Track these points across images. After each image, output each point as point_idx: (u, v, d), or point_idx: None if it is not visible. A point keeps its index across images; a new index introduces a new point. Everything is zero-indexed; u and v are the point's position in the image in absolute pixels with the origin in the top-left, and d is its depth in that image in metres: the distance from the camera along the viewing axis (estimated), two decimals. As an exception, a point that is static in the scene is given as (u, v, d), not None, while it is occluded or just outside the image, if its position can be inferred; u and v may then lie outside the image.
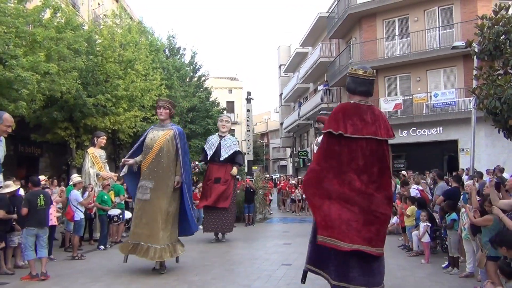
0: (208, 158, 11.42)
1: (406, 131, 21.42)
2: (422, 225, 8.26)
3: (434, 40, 20.83)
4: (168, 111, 7.79)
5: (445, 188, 8.98)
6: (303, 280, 5.32)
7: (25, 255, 7.47)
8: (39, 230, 7.48)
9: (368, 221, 4.68)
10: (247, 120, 15.81)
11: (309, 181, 4.94)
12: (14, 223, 7.77)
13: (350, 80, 5.17)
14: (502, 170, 12.33)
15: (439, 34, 20.78)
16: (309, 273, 5.27)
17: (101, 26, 17.43)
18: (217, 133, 11.91)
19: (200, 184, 15.85)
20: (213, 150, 11.36)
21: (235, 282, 6.86)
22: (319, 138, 9.56)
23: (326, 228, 4.67)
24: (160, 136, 7.56)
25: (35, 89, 10.59)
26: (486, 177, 11.40)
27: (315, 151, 5.28)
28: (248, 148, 15.86)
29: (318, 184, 4.81)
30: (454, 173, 11.54)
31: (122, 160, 7.69)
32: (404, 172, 15.82)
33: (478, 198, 6.63)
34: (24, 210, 7.34)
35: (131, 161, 7.69)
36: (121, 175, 8.10)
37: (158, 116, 7.84)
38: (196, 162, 11.74)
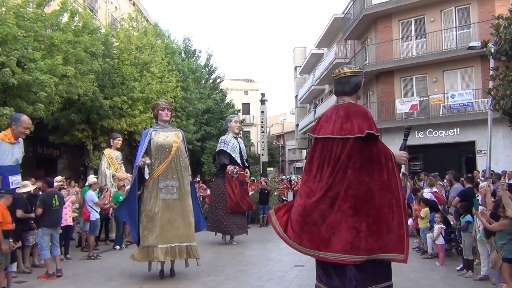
0: (237, 161, 11.03)
1: (422, 133, 21.23)
2: (437, 227, 8.20)
3: (451, 41, 20.61)
4: (171, 113, 7.82)
5: (460, 189, 8.90)
6: None
7: (42, 254, 7.64)
8: (54, 230, 7.68)
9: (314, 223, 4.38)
10: (262, 122, 15.82)
11: None
12: (32, 222, 7.95)
13: (337, 81, 4.83)
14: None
15: (456, 34, 20.55)
16: None
17: (118, 29, 17.69)
18: (229, 134, 11.32)
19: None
20: (238, 153, 11.12)
21: (247, 283, 6.90)
22: None
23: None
24: (173, 136, 7.55)
25: (53, 91, 10.82)
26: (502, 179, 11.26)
27: None
28: (263, 149, 15.88)
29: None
30: (469, 175, 11.38)
31: (140, 160, 7.24)
32: (423, 174, 15.62)
33: (492, 199, 6.56)
34: (39, 211, 7.52)
35: (148, 160, 7.42)
36: (146, 177, 7.44)
37: (163, 117, 7.59)
38: (231, 167, 11.04)
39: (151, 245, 6.96)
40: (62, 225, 8.40)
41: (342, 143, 4.27)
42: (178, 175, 7.36)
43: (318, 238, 4.22)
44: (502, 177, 10.90)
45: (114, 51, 15.54)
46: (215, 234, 11.26)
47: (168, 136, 7.54)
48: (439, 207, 9.37)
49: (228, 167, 10.78)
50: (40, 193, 8.76)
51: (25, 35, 10.60)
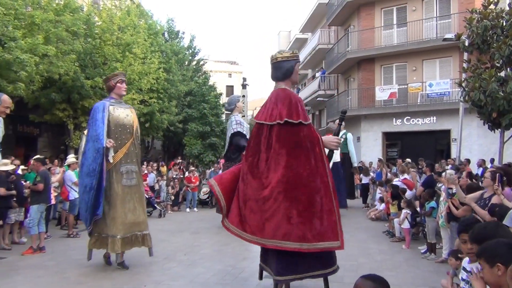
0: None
1: (400, 120, 21.70)
2: (403, 212, 8.59)
3: (431, 30, 20.96)
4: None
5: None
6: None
7: (31, 230, 7.84)
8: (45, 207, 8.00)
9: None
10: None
11: None
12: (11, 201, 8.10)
13: (274, 66, 4.79)
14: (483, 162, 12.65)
15: (436, 24, 20.91)
16: None
17: (100, 9, 17.54)
18: (238, 115, 10.81)
19: (192, 168, 16.17)
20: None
21: (222, 262, 7.18)
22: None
23: None
24: (131, 114, 6.85)
25: (33, 71, 10.82)
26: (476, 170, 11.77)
27: None
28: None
29: None
30: (429, 162, 11.92)
31: (108, 142, 6.29)
32: (400, 161, 16.07)
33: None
34: (41, 186, 7.76)
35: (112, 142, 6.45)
36: (111, 161, 6.42)
37: (122, 91, 6.78)
38: None
39: (113, 235, 6.32)
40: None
41: (272, 129, 4.33)
42: (137, 158, 6.82)
43: (255, 224, 4.31)
44: (465, 165, 11.31)
45: (96, 31, 15.47)
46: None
47: (128, 115, 6.76)
48: (410, 192, 9.76)
49: None
50: (18, 171, 8.94)
51: (5, 13, 10.53)
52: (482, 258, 2.52)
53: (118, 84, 6.65)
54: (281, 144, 4.27)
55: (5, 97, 8.08)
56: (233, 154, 10.61)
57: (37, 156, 9.39)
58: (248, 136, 10.42)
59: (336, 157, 11.50)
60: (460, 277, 2.93)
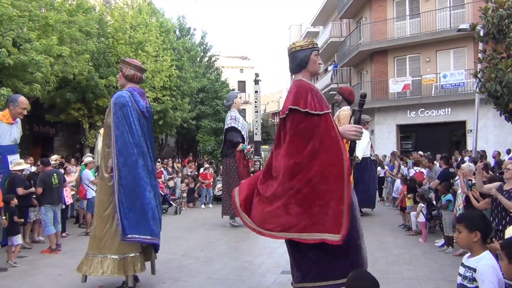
0: (245, 140, 10.63)
1: (414, 112, 21.52)
2: (418, 205, 8.56)
3: (445, 21, 20.70)
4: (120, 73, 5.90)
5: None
6: None
7: (46, 230, 8.00)
8: (56, 207, 8.07)
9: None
10: (255, 101, 15.97)
11: None
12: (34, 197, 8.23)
13: (293, 56, 4.44)
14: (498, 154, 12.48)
15: (450, 14, 20.64)
16: None
17: (112, 8, 17.65)
18: (236, 111, 10.73)
19: (207, 165, 16.25)
20: (246, 131, 10.78)
21: (238, 259, 7.23)
22: (339, 113, 9.73)
23: None
24: None
25: (48, 71, 10.94)
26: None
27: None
28: (256, 129, 16.07)
29: None
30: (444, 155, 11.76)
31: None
32: (421, 153, 15.90)
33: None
34: (39, 190, 7.87)
35: None
36: None
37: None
38: (248, 146, 10.70)
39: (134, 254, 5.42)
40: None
41: (284, 122, 4.20)
42: None
43: (258, 214, 4.21)
44: (482, 158, 11.18)
45: (109, 30, 15.58)
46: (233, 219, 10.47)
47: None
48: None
49: (249, 146, 10.62)
50: (33, 171, 9.11)
51: (20, 15, 10.64)
52: (463, 224, 2.93)
53: (138, 75, 5.80)
54: (287, 133, 4.12)
55: (22, 98, 8.26)
56: (228, 149, 10.59)
57: (43, 158, 9.48)
58: (243, 132, 10.50)
59: (366, 151, 11.21)
60: (458, 272, 3.02)
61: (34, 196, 8.18)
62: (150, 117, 5.79)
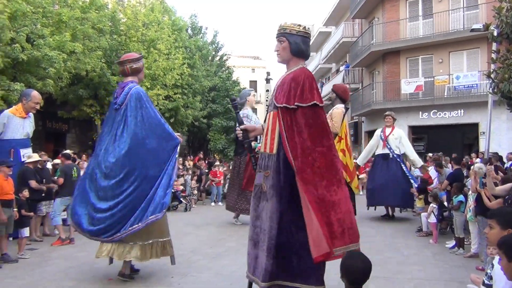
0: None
1: (426, 113, 21.36)
2: (429, 206, 8.48)
3: (458, 21, 20.51)
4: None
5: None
6: None
7: (54, 221, 8.21)
8: (71, 199, 8.15)
9: None
10: (267, 101, 16.00)
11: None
12: (42, 194, 8.32)
13: (303, 40, 4.11)
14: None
15: (464, 15, 20.45)
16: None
17: (125, 6, 17.78)
18: (249, 109, 10.54)
19: (217, 163, 16.29)
20: None
21: (246, 255, 7.21)
22: (332, 111, 9.62)
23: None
24: None
25: (61, 67, 11.06)
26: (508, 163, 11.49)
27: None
28: (267, 127, 16.11)
29: None
30: (454, 155, 11.59)
31: (179, 135, 5.86)
32: (430, 155, 15.77)
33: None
34: (60, 180, 8.13)
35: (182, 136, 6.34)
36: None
37: (143, 78, 6.30)
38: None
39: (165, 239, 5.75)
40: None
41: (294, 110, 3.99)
42: None
43: None
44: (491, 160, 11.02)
45: (121, 28, 15.70)
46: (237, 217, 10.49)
47: None
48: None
49: (260, 145, 10.56)
50: (48, 166, 9.22)
51: (33, 11, 10.78)
52: (495, 220, 2.85)
53: (142, 69, 5.97)
54: (306, 126, 3.94)
55: (35, 93, 8.35)
56: (240, 147, 10.51)
57: (65, 151, 9.68)
58: None
59: (380, 149, 11.18)
60: (486, 271, 2.95)
61: (44, 191, 8.27)
62: (122, 106, 5.53)
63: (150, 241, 5.50)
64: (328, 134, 3.86)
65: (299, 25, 4.10)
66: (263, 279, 3.83)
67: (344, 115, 9.39)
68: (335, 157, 3.83)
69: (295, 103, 3.79)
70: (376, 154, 11.31)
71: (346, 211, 3.71)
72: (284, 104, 3.86)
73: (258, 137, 10.76)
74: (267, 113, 4.28)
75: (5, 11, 9.75)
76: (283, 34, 4.05)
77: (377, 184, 10.86)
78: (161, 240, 5.63)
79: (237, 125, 4.46)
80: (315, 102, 3.81)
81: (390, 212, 11.34)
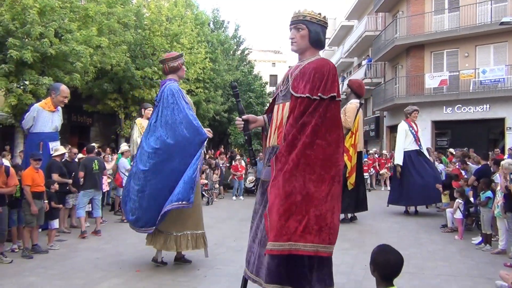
0: None
1: (451, 108, 21.00)
2: (456, 202, 8.37)
3: (486, 14, 20.04)
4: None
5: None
6: None
7: (77, 213, 8.45)
8: (95, 192, 8.37)
9: None
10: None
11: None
12: (67, 187, 8.48)
13: (322, 30, 3.93)
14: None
15: (491, 8, 19.96)
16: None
17: (149, 0, 17.93)
18: None
19: (238, 157, 16.36)
20: None
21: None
22: (346, 106, 9.52)
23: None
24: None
25: (88, 62, 11.22)
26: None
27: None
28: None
29: None
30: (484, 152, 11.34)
31: (207, 131, 5.97)
32: (451, 150, 15.56)
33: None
34: (81, 174, 8.27)
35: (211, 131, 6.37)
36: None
37: (183, 74, 6.50)
38: None
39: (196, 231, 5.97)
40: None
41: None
42: None
43: None
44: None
45: (145, 22, 15.82)
46: None
47: (190, 99, 6.40)
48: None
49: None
50: (76, 160, 9.40)
51: (61, 6, 10.95)
52: None
53: (182, 66, 6.18)
54: (324, 120, 3.77)
55: (63, 87, 8.52)
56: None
57: (90, 144, 9.86)
58: None
59: (412, 145, 10.94)
60: None
61: (71, 184, 8.44)
62: (161, 101, 5.83)
63: (184, 233, 5.74)
64: (337, 129, 3.68)
65: (319, 14, 3.91)
66: (270, 281, 3.56)
67: (358, 110, 9.35)
68: (336, 154, 3.62)
69: (318, 94, 3.60)
70: (405, 150, 10.96)
71: (330, 210, 3.53)
72: (306, 95, 3.61)
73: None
74: (274, 105, 4.05)
75: (34, 6, 9.93)
76: (302, 21, 3.83)
77: (418, 185, 10.48)
78: (196, 232, 5.85)
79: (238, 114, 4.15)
80: (334, 94, 3.64)
81: (413, 209, 11.20)
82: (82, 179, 8.54)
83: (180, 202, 5.32)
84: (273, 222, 3.44)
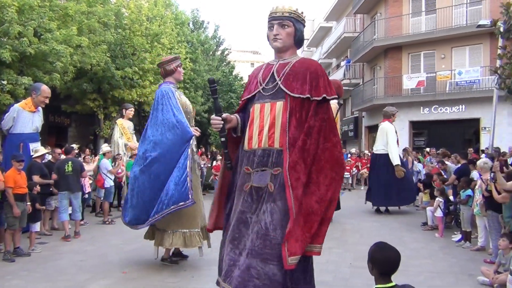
0: None
1: (428, 109, 21.41)
2: (436, 200, 8.56)
3: (461, 17, 20.50)
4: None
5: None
6: None
7: (60, 217, 8.27)
8: (70, 194, 8.11)
9: None
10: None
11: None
12: (51, 189, 8.33)
13: (303, 28, 3.79)
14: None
15: (467, 10, 20.43)
16: None
17: (128, 0, 17.77)
18: None
19: (219, 157, 16.32)
20: None
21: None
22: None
23: None
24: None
25: (68, 61, 11.06)
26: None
27: None
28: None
29: None
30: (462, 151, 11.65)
31: (194, 130, 5.94)
32: (428, 150, 15.89)
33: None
34: (54, 176, 8.09)
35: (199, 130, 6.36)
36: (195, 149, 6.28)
37: (180, 77, 6.34)
38: None
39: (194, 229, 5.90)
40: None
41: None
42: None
43: None
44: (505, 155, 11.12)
45: (125, 22, 15.68)
46: None
47: (187, 100, 6.43)
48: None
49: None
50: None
51: (40, 4, 10.77)
52: None
53: (178, 68, 6.17)
54: (325, 121, 3.72)
55: (44, 87, 8.37)
56: None
57: (71, 145, 9.69)
58: None
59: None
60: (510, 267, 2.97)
61: (52, 185, 8.30)
62: (153, 104, 6.04)
63: (178, 231, 5.79)
64: (336, 129, 3.62)
65: (302, 12, 3.76)
66: None
67: (337, 111, 9.47)
68: (341, 155, 3.59)
69: (322, 95, 3.50)
70: (384, 151, 11.11)
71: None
72: (307, 95, 3.49)
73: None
74: (248, 103, 3.81)
75: (13, 4, 9.74)
76: (289, 18, 3.64)
77: (382, 185, 10.87)
78: (190, 230, 5.85)
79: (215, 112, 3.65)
80: (334, 96, 3.59)
81: (382, 209, 11.40)
82: (52, 181, 8.31)
83: (177, 205, 5.41)
84: (302, 236, 3.29)
